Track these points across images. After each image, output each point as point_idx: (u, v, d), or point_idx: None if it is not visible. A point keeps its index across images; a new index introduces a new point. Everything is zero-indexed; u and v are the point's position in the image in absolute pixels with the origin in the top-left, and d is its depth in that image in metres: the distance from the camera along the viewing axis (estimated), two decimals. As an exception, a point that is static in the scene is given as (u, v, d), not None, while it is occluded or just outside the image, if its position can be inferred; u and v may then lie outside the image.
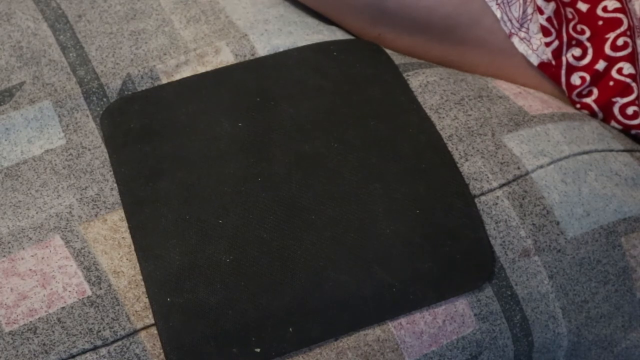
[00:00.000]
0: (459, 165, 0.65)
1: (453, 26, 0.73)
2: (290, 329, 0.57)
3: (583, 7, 0.71)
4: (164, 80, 0.70)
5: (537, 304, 0.63)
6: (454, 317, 0.60)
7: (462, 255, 0.61)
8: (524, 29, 0.72)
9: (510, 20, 0.72)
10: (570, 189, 0.65)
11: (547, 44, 0.71)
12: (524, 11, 0.71)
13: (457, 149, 0.66)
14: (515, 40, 0.72)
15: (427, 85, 0.70)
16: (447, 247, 0.61)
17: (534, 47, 0.71)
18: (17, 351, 0.56)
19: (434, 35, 0.74)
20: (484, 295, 0.61)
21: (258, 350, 0.57)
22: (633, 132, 0.72)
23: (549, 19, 0.71)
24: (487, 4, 0.72)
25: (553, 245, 0.63)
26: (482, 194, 0.64)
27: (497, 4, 0.72)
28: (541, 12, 0.71)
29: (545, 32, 0.71)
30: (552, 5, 0.70)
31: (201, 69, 0.70)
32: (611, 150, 0.68)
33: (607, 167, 0.66)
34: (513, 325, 0.62)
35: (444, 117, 0.67)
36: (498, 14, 0.72)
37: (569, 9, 0.71)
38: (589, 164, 0.66)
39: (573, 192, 0.65)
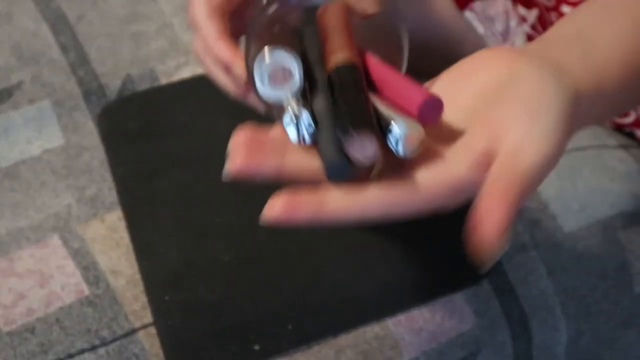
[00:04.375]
0: (455, 161, 0.63)
1: (439, 45, 0.71)
2: (289, 327, 0.55)
3: (567, 10, 0.69)
4: (164, 81, 0.68)
5: (535, 299, 0.60)
6: (452, 313, 0.58)
7: (460, 252, 0.58)
8: (508, 43, 0.70)
9: (494, 35, 0.71)
10: (566, 184, 0.63)
11: None
12: (507, 25, 0.70)
13: (453, 146, 0.64)
14: None
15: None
16: (445, 243, 0.58)
17: None
18: (16, 351, 0.53)
19: (420, 53, 0.73)
20: (482, 292, 0.59)
21: (257, 347, 0.54)
22: (627, 130, 0.69)
23: (533, 27, 0.69)
24: (470, 21, 0.71)
25: (551, 240, 0.61)
26: (479, 190, 0.62)
27: (479, 20, 0.70)
28: (525, 21, 0.69)
29: (531, 40, 0.68)
30: (535, 11, 0.68)
31: (200, 71, 0.68)
32: (606, 147, 0.66)
33: (602, 163, 0.65)
34: (512, 321, 0.60)
35: (439, 115, 0.66)
36: (481, 30, 0.70)
37: (553, 13, 0.68)
38: (584, 159, 0.64)
39: (568, 187, 0.63)
